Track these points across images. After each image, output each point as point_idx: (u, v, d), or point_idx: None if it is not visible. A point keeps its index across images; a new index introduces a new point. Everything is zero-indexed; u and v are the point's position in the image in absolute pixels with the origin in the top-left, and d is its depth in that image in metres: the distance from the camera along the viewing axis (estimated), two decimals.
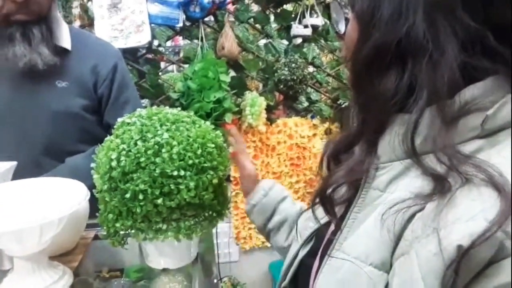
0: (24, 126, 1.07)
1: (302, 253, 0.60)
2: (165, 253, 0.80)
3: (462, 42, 0.40)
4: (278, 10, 1.73)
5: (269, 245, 2.12)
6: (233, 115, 1.67)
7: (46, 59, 1.01)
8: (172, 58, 2.16)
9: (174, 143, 0.68)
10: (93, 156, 0.78)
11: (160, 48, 1.78)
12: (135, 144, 0.70)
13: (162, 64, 1.94)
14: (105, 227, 0.76)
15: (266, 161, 1.92)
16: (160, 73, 1.78)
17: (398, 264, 0.40)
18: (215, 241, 1.11)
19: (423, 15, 0.41)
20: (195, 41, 1.70)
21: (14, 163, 0.89)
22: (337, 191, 0.53)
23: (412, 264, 0.38)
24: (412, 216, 0.40)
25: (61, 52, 1.08)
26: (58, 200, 0.70)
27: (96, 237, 0.98)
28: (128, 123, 0.76)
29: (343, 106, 1.95)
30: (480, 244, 0.34)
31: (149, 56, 1.72)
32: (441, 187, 0.39)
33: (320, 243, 0.55)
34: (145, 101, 1.76)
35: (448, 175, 0.39)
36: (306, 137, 1.94)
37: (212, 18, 1.70)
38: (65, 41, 1.09)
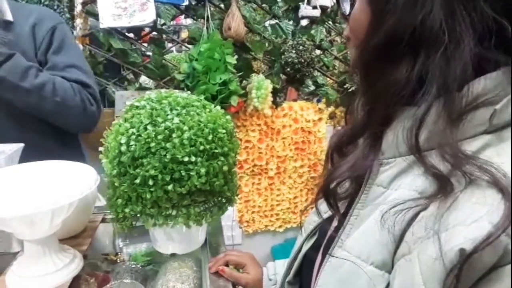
0: None
1: (306, 247, 0.60)
2: (174, 238, 0.80)
3: (480, 34, 0.38)
4: None
5: (271, 228, 2.13)
6: (238, 97, 1.64)
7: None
8: (172, 37, 2.12)
9: (185, 128, 0.67)
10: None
11: (164, 27, 1.74)
12: (145, 128, 0.68)
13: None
14: (114, 212, 0.75)
15: (271, 144, 1.91)
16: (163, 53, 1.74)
17: (399, 266, 0.39)
18: None
19: (441, 3, 0.38)
20: (201, 20, 1.66)
21: (21, 145, 0.88)
22: (341, 186, 0.52)
23: (413, 267, 0.37)
24: (413, 217, 0.39)
25: (6, 25, 1.06)
26: (69, 184, 0.69)
27: (103, 220, 0.98)
28: (137, 107, 0.74)
29: (349, 90, 1.93)
30: (483, 248, 0.33)
31: (154, 35, 1.68)
32: (443, 187, 0.38)
33: (323, 238, 0.55)
34: (149, 82, 1.73)
35: (451, 175, 0.38)
36: (311, 121, 1.92)
37: None
38: (7, 13, 1.08)
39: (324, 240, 0.54)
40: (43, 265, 0.70)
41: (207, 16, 1.62)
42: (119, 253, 0.94)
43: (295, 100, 1.96)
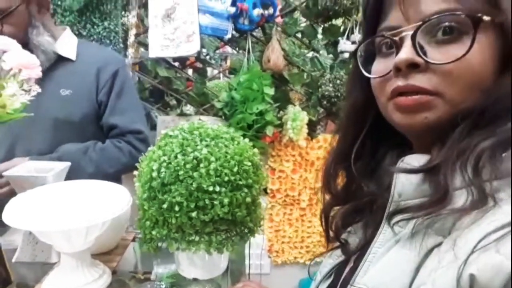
0: (25, 131, 1.16)
1: None
2: (196, 263, 0.83)
3: None
4: (327, 25, 1.73)
5: (301, 260, 2.10)
6: (274, 128, 1.68)
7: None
8: (218, 64, 2.22)
9: (212, 159, 0.71)
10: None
11: (208, 57, 1.84)
12: (176, 157, 0.73)
13: (209, 70, 2.00)
14: (142, 233, 0.80)
15: (304, 175, 1.91)
16: (206, 81, 1.83)
17: None
18: (247, 251, 1.13)
19: None
20: (242, 52, 1.74)
21: (68, 163, 0.96)
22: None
23: None
24: (434, 246, 0.40)
25: (65, 61, 1.18)
26: (104, 204, 0.75)
27: (134, 239, 1.03)
28: (171, 136, 0.79)
29: None
30: (492, 274, 0.34)
31: (197, 65, 1.78)
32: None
33: (338, 279, 0.55)
34: (190, 108, 1.82)
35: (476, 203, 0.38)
36: None
37: (260, 30, 1.73)
38: (70, 52, 1.19)
39: (339, 282, 0.55)
40: (75, 277, 0.76)
41: (248, 48, 1.69)
42: (147, 273, 0.98)
43: (331, 133, 1.96)
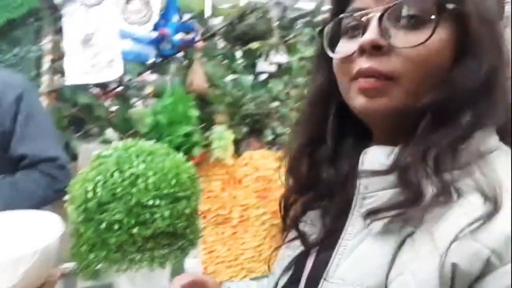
0: None
1: (282, 281, 0.57)
2: (137, 284, 0.81)
3: None
4: (245, 48, 1.84)
5: (236, 280, 2.10)
6: (201, 148, 1.71)
7: None
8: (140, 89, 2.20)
9: (150, 173, 0.72)
10: None
11: (130, 82, 1.83)
12: (112, 175, 0.72)
13: (132, 95, 1.97)
14: (77, 260, 0.77)
15: (233, 194, 1.96)
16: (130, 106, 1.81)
17: (394, 286, 0.41)
18: None
19: None
20: (165, 76, 1.76)
21: None
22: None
23: (409, 285, 0.39)
24: (406, 236, 0.42)
25: None
26: (31, 235, 0.70)
27: (63, 275, 0.97)
28: (105, 156, 0.79)
29: None
30: (471, 262, 0.37)
31: (120, 91, 1.76)
32: (435, 202, 0.41)
33: (300, 271, 0.54)
34: (114, 135, 1.77)
35: (442, 191, 0.41)
36: (272, 169, 2.01)
37: (182, 54, 1.78)
38: None
39: (301, 273, 0.54)
40: None
41: (172, 72, 1.72)
42: None
43: (256, 149, 2.05)
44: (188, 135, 1.65)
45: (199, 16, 1.79)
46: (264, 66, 1.82)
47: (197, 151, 1.66)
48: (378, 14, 0.44)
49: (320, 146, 0.54)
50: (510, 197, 0.39)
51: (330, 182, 0.53)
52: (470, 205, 0.40)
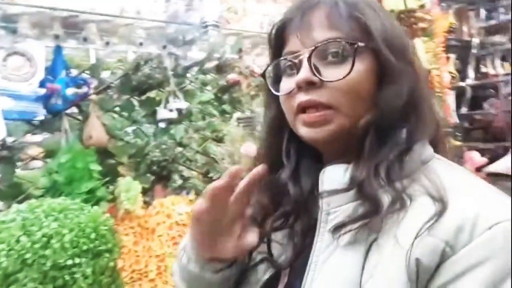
0: None
1: None
2: None
3: None
4: (143, 97, 1.84)
5: None
6: (107, 203, 1.62)
7: None
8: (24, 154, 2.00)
9: (65, 231, 0.68)
10: None
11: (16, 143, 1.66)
12: (18, 241, 0.66)
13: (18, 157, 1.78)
14: None
15: (147, 245, 1.86)
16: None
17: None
18: None
19: None
20: (57, 133, 1.65)
21: None
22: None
23: (381, 285, 0.45)
24: (372, 242, 0.47)
25: None
26: None
27: None
28: (4, 221, 0.72)
29: (214, 178, 2.09)
30: (430, 255, 0.44)
31: (3, 154, 1.58)
32: (392, 209, 0.48)
33: None
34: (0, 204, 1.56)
35: (396, 198, 0.48)
36: (184, 213, 1.98)
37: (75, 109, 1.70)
38: None
39: None
40: None
41: (65, 128, 1.62)
42: None
43: (165, 196, 2.01)
44: (91, 191, 1.55)
45: (91, 69, 1.75)
46: (165, 113, 1.84)
47: (103, 206, 1.56)
48: (307, 55, 0.52)
49: (279, 169, 0.59)
50: (455, 194, 0.47)
51: (295, 201, 0.57)
52: (423, 206, 0.47)
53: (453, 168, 0.54)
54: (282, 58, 0.57)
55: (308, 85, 0.52)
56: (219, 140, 2.11)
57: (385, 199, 0.49)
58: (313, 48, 0.52)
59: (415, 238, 0.45)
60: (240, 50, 2.28)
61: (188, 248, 0.60)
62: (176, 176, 1.98)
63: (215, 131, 2.12)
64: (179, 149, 2.01)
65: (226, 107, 2.21)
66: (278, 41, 0.58)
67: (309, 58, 0.52)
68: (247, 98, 2.27)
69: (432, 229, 0.45)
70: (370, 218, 0.48)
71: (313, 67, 0.52)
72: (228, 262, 0.57)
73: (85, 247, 0.68)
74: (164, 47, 1.89)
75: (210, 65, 2.25)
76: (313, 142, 0.55)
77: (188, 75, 2.14)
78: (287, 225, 0.59)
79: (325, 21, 0.52)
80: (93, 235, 0.70)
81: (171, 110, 1.87)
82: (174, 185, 1.99)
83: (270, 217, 0.59)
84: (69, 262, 0.66)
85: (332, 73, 0.52)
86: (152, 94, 1.90)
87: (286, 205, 0.59)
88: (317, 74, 0.52)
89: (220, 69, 2.21)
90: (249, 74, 2.40)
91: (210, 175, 2.10)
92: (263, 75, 0.59)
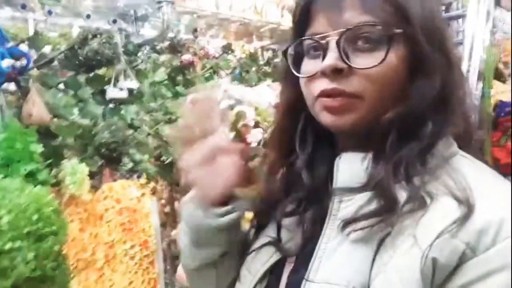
0: None
1: None
2: None
3: None
4: (91, 75, 1.72)
5: None
6: (51, 187, 1.51)
7: None
8: None
9: (3, 212, 0.61)
10: None
11: None
12: None
13: None
14: None
15: (94, 232, 1.77)
16: None
17: (377, 284, 0.44)
18: None
19: None
20: None
21: None
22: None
23: (392, 281, 0.43)
24: (385, 236, 0.45)
25: None
26: None
27: None
28: None
29: (166, 162, 2.03)
30: (449, 256, 0.42)
31: None
32: (411, 206, 0.45)
33: (277, 279, 0.55)
34: None
35: (414, 197, 0.46)
36: (135, 198, 1.91)
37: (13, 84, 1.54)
38: None
39: (279, 281, 0.55)
40: None
41: (0, 105, 1.48)
42: None
43: (115, 180, 1.92)
44: (31, 174, 1.43)
45: (31, 40, 1.60)
46: (115, 92, 1.74)
47: (47, 191, 1.45)
48: (336, 38, 0.48)
49: (293, 154, 0.57)
50: (480, 196, 0.44)
51: (308, 187, 0.55)
52: (445, 208, 0.44)
53: (478, 167, 0.51)
54: (306, 37, 0.52)
55: (335, 72, 0.48)
56: (172, 123, 2.04)
57: (402, 195, 0.47)
58: (344, 30, 0.48)
59: (435, 239, 0.43)
60: (195, 30, 2.21)
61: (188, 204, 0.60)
62: (126, 159, 1.89)
63: (168, 113, 2.04)
64: (130, 131, 1.91)
65: (180, 88, 2.14)
66: (302, 18, 0.53)
67: (338, 42, 0.48)
68: (202, 79, 2.21)
69: (455, 232, 0.43)
70: (384, 216, 0.46)
71: (342, 52, 0.48)
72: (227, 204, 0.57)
73: (26, 230, 0.61)
74: (114, 21, 1.77)
75: (163, 44, 2.16)
76: (334, 128, 0.52)
77: (140, 53, 2.03)
78: (298, 212, 0.57)
79: (358, 2, 0.48)
80: (35, 217, 0.63)
81: (121, 89, 1.77)
82: (124, 169, 1.90)
83: (281, 202, 0.58)
84: (8, 245, 0.59)
85: (362, 61, 0.48)
86: (100, 71, 1.78)
87: (299, 191, 0.56)
88: (347, 60, 0.48)
89: (174, 49, 2.13)
90: (203, 55, 2.34)
91: (162, 158, 2.03)
92: (284, 52, 0.55)
